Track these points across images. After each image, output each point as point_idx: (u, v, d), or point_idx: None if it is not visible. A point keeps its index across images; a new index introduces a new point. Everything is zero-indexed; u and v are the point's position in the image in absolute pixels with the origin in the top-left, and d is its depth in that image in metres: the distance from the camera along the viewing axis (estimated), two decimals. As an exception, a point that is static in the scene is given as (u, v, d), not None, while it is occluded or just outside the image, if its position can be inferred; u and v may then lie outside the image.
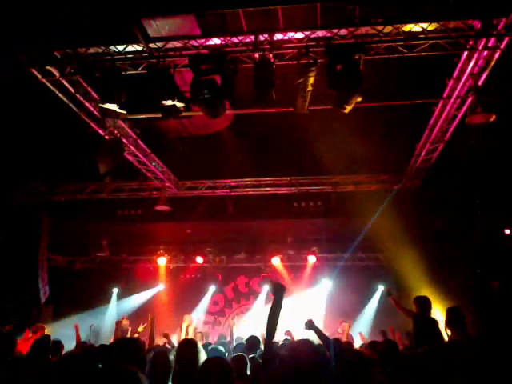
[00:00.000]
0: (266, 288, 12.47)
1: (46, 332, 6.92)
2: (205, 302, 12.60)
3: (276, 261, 12.20)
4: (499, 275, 8.63)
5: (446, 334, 5.93)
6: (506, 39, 5.52)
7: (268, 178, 10.74)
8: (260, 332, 7.32)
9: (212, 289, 12.63)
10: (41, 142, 8.68)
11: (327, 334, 5.38)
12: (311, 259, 12.03)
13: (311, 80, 5.73)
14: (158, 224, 11.79)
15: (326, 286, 11.92)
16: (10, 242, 10.00)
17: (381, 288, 11.35)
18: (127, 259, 12.94)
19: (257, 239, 12.01)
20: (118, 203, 11.46)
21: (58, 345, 6.33)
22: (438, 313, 7.15)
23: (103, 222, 11.97)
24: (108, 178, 7.68)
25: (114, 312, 12.06)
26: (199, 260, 12.44)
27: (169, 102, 5.85)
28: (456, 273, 9.14)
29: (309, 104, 6.13)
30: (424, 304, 6.38)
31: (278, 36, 5.91)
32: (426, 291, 8.38)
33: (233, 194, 10.97)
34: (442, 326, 6.15)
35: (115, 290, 12.27)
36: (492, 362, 3.13)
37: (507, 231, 9.71)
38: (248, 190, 10.87)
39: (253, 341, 6.46)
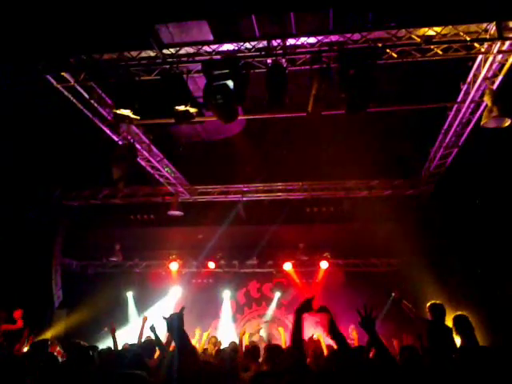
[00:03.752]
0: (277, 294, 12.46)
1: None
2: (221, 308, 12.57)
3: (288, 266, 12.15)
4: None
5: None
6: (522, 42, 5.47)
7: (280, 183, 10.72)
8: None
9: (227, 294, 12.61)
10: (54, 148, 8.79)
11: None
12: (323, 265, 11.95)
13: (323, 85, 5.72)
14: (170, 229, 11.83)
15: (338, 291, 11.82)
16: (24, 247, 10.10)
17: (393, 294, 11.18)
18: (139, 264, 13.00)
19: (269, 244, 11.95)
20: (130, 208, 11.55)
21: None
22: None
23: (116, 227, 12.07)
24: (121, 184, 7.76)
25: (135, 314, 12.17)
26: (211, 265, 12.44)
27: (182, 108, 5.88)
28: (469, 278, 9.01)
29: (321, 109, 6.11)
30: (439, 311, 6.29)
31: (291, 41, 5.91)
32: (439, 297, 8.27)
33: (245, 199, 10.97)
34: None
35: (130, 294, 12.34)
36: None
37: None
38: (260, 195, 10.87)
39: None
